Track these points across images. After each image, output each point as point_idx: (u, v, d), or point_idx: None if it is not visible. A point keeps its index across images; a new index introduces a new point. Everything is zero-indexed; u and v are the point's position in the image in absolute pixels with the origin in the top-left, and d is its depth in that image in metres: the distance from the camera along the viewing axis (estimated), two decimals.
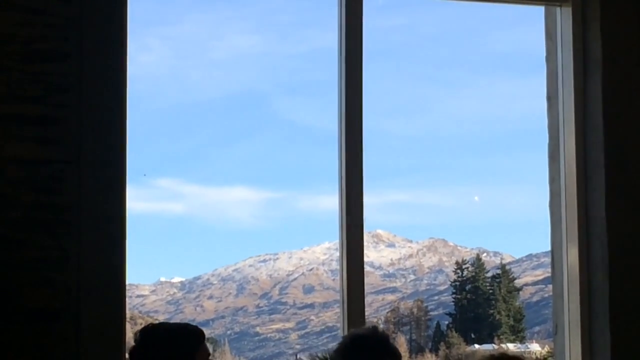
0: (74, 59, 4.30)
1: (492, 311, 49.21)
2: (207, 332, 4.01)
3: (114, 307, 4.27)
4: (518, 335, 48.44)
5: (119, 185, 4.33)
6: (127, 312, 4.42)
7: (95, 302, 4.23)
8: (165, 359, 3.84)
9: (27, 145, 4.23)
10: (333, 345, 4.03)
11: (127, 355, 4.00)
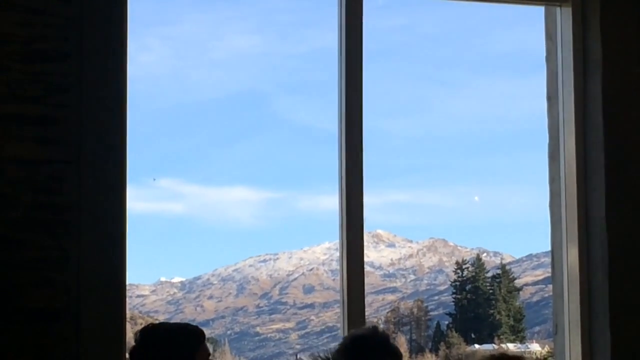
0: (74, 59, 4.30)
1: (492, 311, 49.21)
2: (207, 332, 4.01)
3: (114, 307, 4.27)
4: (518, 335, 48.44)
5: (119, 185, 4.33)
6: (127, 312, 4.42)
7: (96, 302, 4.23)
8: (165, 359, 3.84)
9: (27, 145, 4.23)
10: (333, 345, 4.03)
11: (127, 355, 4.00)
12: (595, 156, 4.94)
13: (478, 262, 52.58)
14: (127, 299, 4.38)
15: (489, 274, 51.69)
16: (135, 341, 3.89)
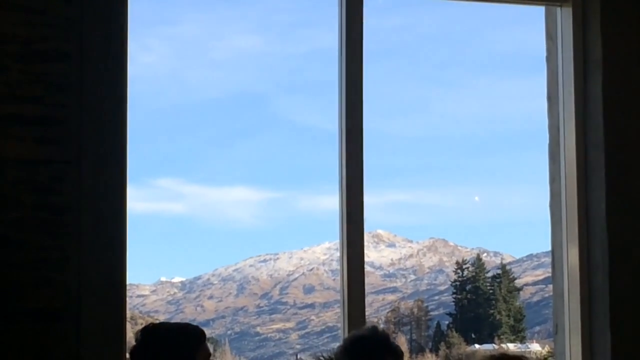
0: (74, 59, 4.30)
1: (492, 311, 49.18)
2: (207, 332, 4.01)
3: (115, 307, 4.27)
4: (518, 335, 48.41)
5: (119, 186, 4.33)
6: (128, 312, 4.42)
7: (96, 302, 4.23)
8: (166, 358, 3.84)
9: (27, 145, 4.23)
10: (334, 345, 4.03)
11: (127, 355, 4.00)
12: (595, 156, 4.94)
13: (478, 262, 52.54)
14: (127, 298, 4.38)
15: (489, 274, 51.65)
16: (136, 341, 3.89)
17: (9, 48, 4.25)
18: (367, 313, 4.79)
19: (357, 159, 4.79)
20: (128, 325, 4.46)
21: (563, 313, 5.02)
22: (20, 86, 4.25)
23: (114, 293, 4.27)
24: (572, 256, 4.99)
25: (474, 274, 51.69)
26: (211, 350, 4.01)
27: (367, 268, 4.89)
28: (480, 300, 50.26)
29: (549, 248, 5.18)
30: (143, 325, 4.00)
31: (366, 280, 4.82)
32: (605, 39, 4.95)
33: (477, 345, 46.33)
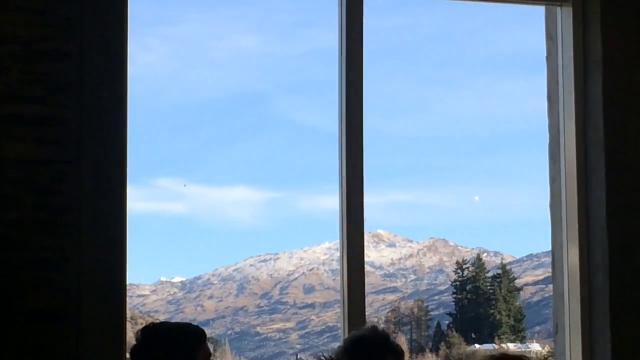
0: (74, 59, 4.30)
1: (492, 311, 49.17)
2: (207, 331, 4.00)
3: (115, 307, 4.27)
4: (518, 335, 48.41)
5: (119, 185, 4.33)
6: (128, 312, 4.42)
7: (96, 302, 4.23)
8: (166, 358, 3.84)
9: (27, 145, 4.23)
10: (334, 345, 4.03)
11: (128, 355, 4.00)
12: (595, 156, 4.94)
13: (478, 262, 52.54)
14: (127, 298, 4.38)
15: (490, 274, 51.65)
16: (137, 340, 3.89)
17: (9, 48, 4.25)
18: (367, 313, 4.79)
19: (357, 158, 4.79)
20: (128, 325, 4.46)
21: (563, 313, 5.02)
22: (21, 86, 4.25)
23: (114, 293, 4.27)
24: (572, 256, 4.99)
25: (474, 273, 51.69)
26: (211, 350, 4.01)
27: (367, 268, 4.89)
28: (480, 300, 50.26)
29: (549, 248, 5.18)
30: (143, 325, 4.00)
31: (366, 280, 4.82)
32: (606, 39, 4.95)
33: (477, 345, 46.35)
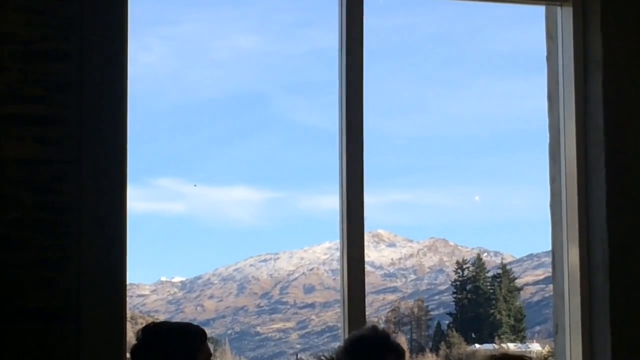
0: (75, 59, 4.30)
1: (492, 311, 49.19)
2: (207, 331, 4.00)
3: (115, 307, 4.26)
4: (519, 335, 48.42)
5: (119, 185, 4.33)
6: (128, 311, 4.42)
7: (96, 302, 4.23)
8: (166, 358, 3.83)
9: (27, 145, 4.23)
10: (334, 344, 4.03)
11: (128, 355, 4.00)
12: (596, 156, 4.94)
13: (478, 262, 52.55)
14: (127, 298, 4.37)
15: (490, 274, 51.66)
16: (137, 340, 3.89)
17: (9, 48, 4.25)
18: (367, 313, 4.79)
19: (357, 158, 4.79)
20: (128, 325, 4.46)
21: (563, 313, 5.01)
22: (21, 86, 4.24)
23: (114, 293, 4.27)
24: (572, 256, 4.99)
25: (474, 273, 51.70)
26: (211, 350, 4.01)
27: (367, 268, 4.89)
28: (480, 300, 50.27)
29: (549, 248, 5.18)
30: (143, 325, 3.99)
31: (366, 280, 4.81)
32: (606, 39, 4.94)
33: (477, 345, 46.36)
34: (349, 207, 4.76)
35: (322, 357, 4.01)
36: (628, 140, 4.92)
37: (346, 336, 4.38)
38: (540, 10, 5.25)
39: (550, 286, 5.42)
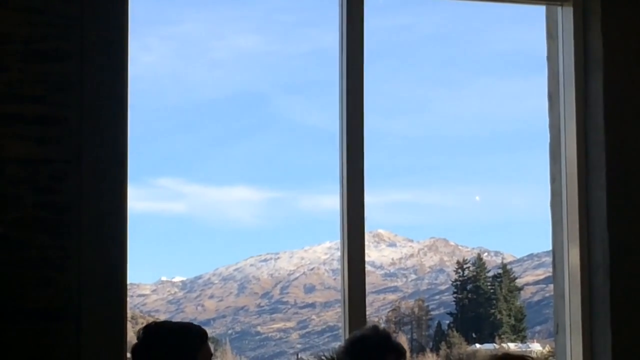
0: (75, 59, 4.30)
1: (493, 311, 49.17)
2: (208, 331, 3.99)
3: (115, 307, 4.26)
4: (519, 334, 48.40)
5: (119, 185, 4.33)
6: (128, 311, 4.42)
7: (96, 302, 4.23)
8: (167, 358, 3.83)
9: (27, 144, 4.23)
10: (335, 344, 4.03)
11: (129, 354, 4.00)
12: (596, 155, 4.94)
13: (479, 262, 52.52)
14: (127, 298, 4.38)
15: (490, 274, 51.63)
16: (138, 339, 3.88)
17: (10, 47, 4.25)
18: (367, 312, 4.79)
19: (357, 158, 4.79)
20: (129, 325, 4.46)
21: (564, 313, 5.01)
22: (21, 86, 4.25)
23: (114, 292, 4.27)
24: (573, 256, 4.99)
25: (474, 273, 51.68)
26: (212, 349, 4.00)
27: (367, 267, 4.89)
28: (481, 299, 50.26)
29: (550, 248, 5.18)
30: (144, 325, 3.99)
31: (367, 279, 4.82)
32: (606, 38, 4.94)
33: (477, 345, 46.36)
34: (349, 207, 4.76)
35: (323, 357, 4.01)
36: (628, 140, 4.92)
37: (347, 336, 4.39)
38: (541, 10, 5.25)
39: (551, 286, 5.42)
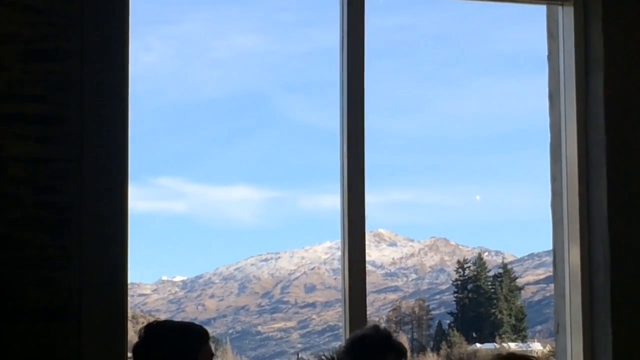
0: (76, 58, 4.30)
1: (493, 310, 49.17)
2: (209, 331, 3.99)
3: (116, 306, 4.26)
4: (520, 334, 48.40)
5: (120, 184, 4.33)
6: (129, 311, 4.41)
7: (97, 301, 4.23)
8: (168, 357, 3.82)
9: (28, 144, 4.23)
10: (335, 344, 4.03)
11: (129, 353, 3.99)
12: (597, 155, 4.93)
13: (479, 261, 52.52)
14: (128, 297, 4.37)
15: (491, 273, 51.63)
16: (139, 337, 3.88)
17: (10, 47, 4.25)
18: (368, 312, 4.79)
19: (358, 158, 4.79)
20: (129, 325, 4.46)
21: (564, 312, 5.01)
22: (22, 85, 4.25)
23: (115, 292, 4.27)
24: (573, 255, 4.99)
25: (475, 273, 51.68)
26: (212, 349, 4.00)
27: (368, 267, 4.89)
28: (481, 299, 50.25)
29: (551, 247, 5.18)
30: (145, 324, 3.98)
31: (367, 279, 4.82)
32: (607, 38, 4.94)
33: (478, 345, 46.36)
34: (350, 207, 4.76)
35: (323, 357, 4.02)
36: (629, 140, 4.92)
37: (347, 335, 4.39)
38: (542, 9, 5.25)
39: (552, 285, 5.42)
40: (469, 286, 51.41)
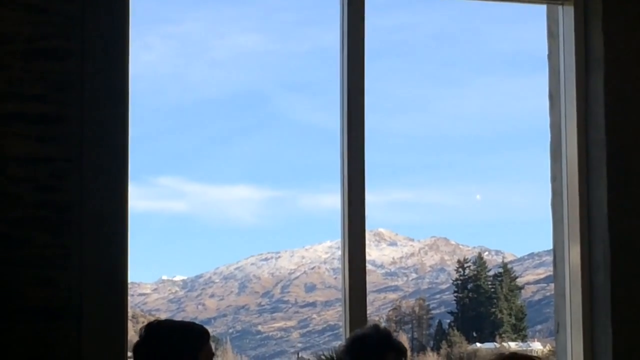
0: (76, 57, 4.30)
1: (493, 310, 49.19)
2: (209, 330, 3.99)
3: (116, 306, 4.26)
4: (520, 333, 48.42)
5: (120, 184, 4.33)
6: (129, 310, 4.41)
7: (97, 301, 4.23)
8: (168, 356, 3.82)
9: (28, 143, 4.23)
10: (335, 343, 4.04)
11: (130, 353, 3.99)
12: (597, 154, 4.93)
13: (480, 261, 52.54)
14: (128, 297, 4.37)
15: (491, 273, 51.65)
16: (140, 336, 3.88)
17: (11, 46, 4.25)
18: (368, 312, 4.79)
19: (358, 157, 4.79)
20: (129, 324, 4.46)
21: (564, 312, 5.01)
22: (22, 84, 4.25)
23: (115, 291, 4.27)
24: (573, 255, 4.99)
25: (475, 272, 51.69)
26: (213, 348, 4.00)
27: (368, 266, 4.89)
28: (481, 298, 50.26)
29: (551, 247, 5.18)
30: (145, 323, 3.98)
31: (367, 278, 4.81)
32: (607, 37, 4.94)
33: (478, 344, 46.36)
34: (350, 206, 4.76)
35: (323, 356, 4.01)
36: (629, 139, 4.92)
37: (347, 335, 4.38)
38: (542, 9, 5.25)
39: (552, 285, 5.43)
40: (469, 286, 51.42)
